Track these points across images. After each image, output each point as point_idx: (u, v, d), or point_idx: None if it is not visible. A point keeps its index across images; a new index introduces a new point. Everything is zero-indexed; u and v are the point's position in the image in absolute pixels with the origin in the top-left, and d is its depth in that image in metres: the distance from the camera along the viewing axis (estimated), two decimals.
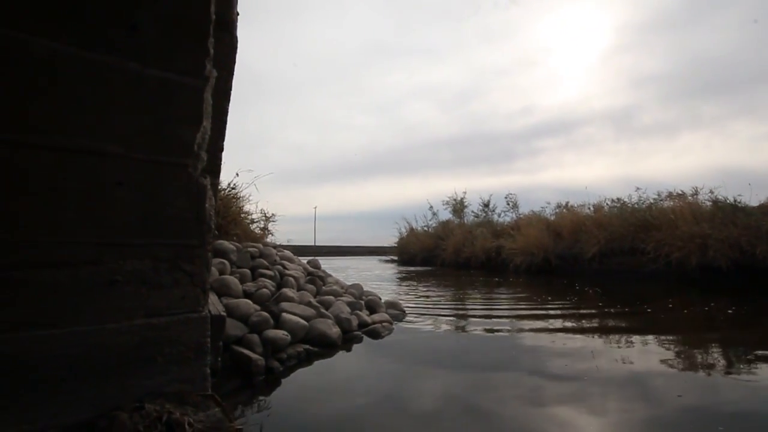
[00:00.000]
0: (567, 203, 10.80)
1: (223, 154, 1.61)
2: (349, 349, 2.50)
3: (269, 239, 4.81)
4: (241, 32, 1.53)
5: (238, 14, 1.51)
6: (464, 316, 3.76)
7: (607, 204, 9.46)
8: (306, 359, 2.26)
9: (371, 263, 14.90)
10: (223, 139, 1.58)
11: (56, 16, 0.97)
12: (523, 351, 2.44)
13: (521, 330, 3.08)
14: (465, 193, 14.73)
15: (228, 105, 1.59)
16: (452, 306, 4.39)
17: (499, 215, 13.67)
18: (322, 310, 2.76)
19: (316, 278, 3.44)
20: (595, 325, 3.28)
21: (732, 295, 5.06)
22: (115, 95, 1.06)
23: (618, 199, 9.28)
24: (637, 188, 9.03)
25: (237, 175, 4.55)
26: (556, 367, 2.08)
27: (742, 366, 2.14)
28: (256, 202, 5.66)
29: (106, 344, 1.06)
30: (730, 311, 3.84)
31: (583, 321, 3.43)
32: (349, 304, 3.11)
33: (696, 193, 7.83)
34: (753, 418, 1.50)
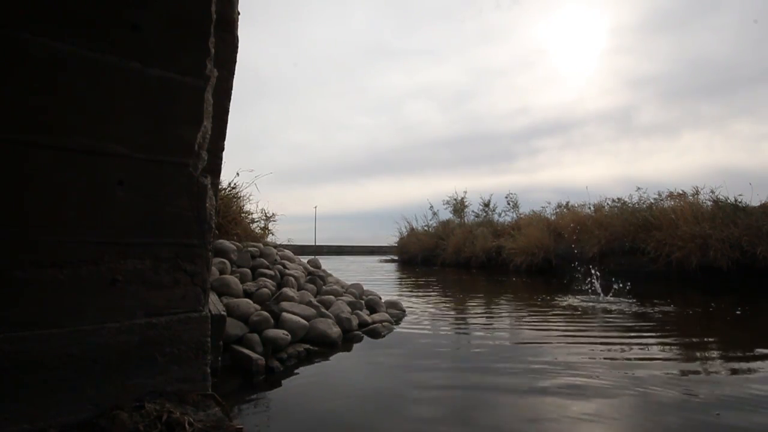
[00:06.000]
0: (567, 203, 10.83)
1: (224, 153, 1.61)
2: (349, 349, 2.50)
3: (269, 239, 4.82)
4: (242, 32, 1.53)
5: (239, 14, 1.51)
6: (465, 316, 3.76)
7: (607, 204, 9.48)
8: (306, 359, 2.26)
9: (371, 263, 14.90)
10: (223, 139, 1.58)
11: (58, 16, 0.97)
12: (524, 350, 2.44)
13: (521, 328, 3.08)
14: (465, 192, 14.75)
15: (229, 104, 1.59)
16: (453, 305, 4.39)
17: (500, 215, 13.69)
18: (323, 310, 2.76)
19: (317, 278, 3.44)
20: (598, 324, 3.28)
21: (733, 296, 5.06)
22: (116, 95, 1.06)
23: (619, 199, 9.30)
24: (638, 188, 9.06)
25: (237, 174, 4.57)
26: (560, 369, 2.07)
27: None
28: (257, 202, 5.71)
29: (106, 343, 1.06)
30: (737, 312, 3.84)
31: (586, 319, 3.43)
32: (349, 303, 3.11)
33: (697, 192, 7.84)
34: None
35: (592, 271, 5.42)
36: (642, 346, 2.55)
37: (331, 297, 3.12)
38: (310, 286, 3.24)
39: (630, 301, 4.54)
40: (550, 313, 3.81)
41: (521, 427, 1.43)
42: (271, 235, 4.94)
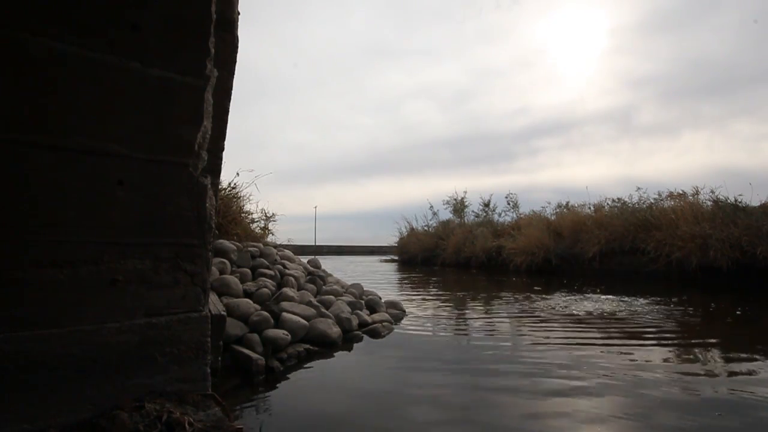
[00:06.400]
0: (567, 203, 10.83)
1: (224, 153, 1.61)
2: (349, 349, 2.50)
3: (269, 239, 4.82)
4: (242, 32, 1.53)
5: (239, 14, 1.51)
6: (465, 316, 3.76)
7: (607, 204, 9.47)
8: (306, 359, 2.26)
9: (371, 263, 14.90)
10: (223, 139, 1.58)
11: (57, 16, 0.97)
12: (524, 349, 2.44)
13: (522, 328, 3.08)
14: (465, 192, 14.75)
15: (229, 104, 1.59)
16: (452, 305, 4.39)
17: (500, 215, 13.70)
18: (323, 310, 2.76)
19: (317, 278, 3.44)
20: (599, 325, 3.28)
21: (733, 296, 5.05)
22: (116, 95, 1.06)
23: (618, 199, 9.29)
24: (638, 188, 9.05)
25: (237, 174, 4.57)
26: (559, 369, 2.07)
27: None
28: (257, 202, 5.72)
29: (106, 343, 1.06)
30: (738, 312, 3.84)
31: (586, 319, 3.43)
32: (349, 303, 3.11)
33: (697, 192, 7.83)
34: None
35: (592, 272, 5.41)
36: (642, 347, 2.55)
37: (331, 297, 3.12)
38: (310, 286, 3.24)
39: (630, 301, 4.54)
40: (550, 313, 3.80)
41: (523, 427, 1.43)
42: (271, 235, 4.94)
